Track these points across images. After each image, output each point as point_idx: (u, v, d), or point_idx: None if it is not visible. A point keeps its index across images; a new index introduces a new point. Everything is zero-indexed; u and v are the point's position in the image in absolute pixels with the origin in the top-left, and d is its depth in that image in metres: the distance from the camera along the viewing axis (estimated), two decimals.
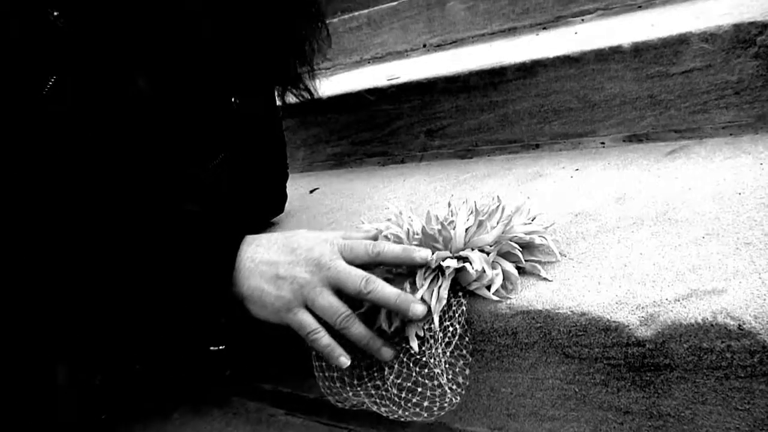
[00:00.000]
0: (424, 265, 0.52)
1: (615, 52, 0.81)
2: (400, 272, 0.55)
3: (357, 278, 0.50)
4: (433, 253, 0.53)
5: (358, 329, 0.51)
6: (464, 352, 0.52)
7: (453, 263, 0.51)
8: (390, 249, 0.52)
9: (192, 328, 0.54)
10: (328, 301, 0.50)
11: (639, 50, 0.79)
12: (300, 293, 0.50)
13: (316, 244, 0.53)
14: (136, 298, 0.52)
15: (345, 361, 0.50)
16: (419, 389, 0.52)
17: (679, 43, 0.76)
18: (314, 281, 0.50)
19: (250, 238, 0.54)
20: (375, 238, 0.58)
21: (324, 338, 0.50)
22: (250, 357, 0.66)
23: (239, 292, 0.52)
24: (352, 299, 0.52)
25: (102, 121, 0.56)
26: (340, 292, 0.51)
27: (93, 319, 0.54)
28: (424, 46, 1.34)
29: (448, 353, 0.51)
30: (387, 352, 0.52)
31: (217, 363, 0.62)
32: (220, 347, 0.55)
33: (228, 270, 0.52)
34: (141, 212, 0.55)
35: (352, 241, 0.53)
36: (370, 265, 0.53)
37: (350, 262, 0.52)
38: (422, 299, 0.51)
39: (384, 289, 0.50)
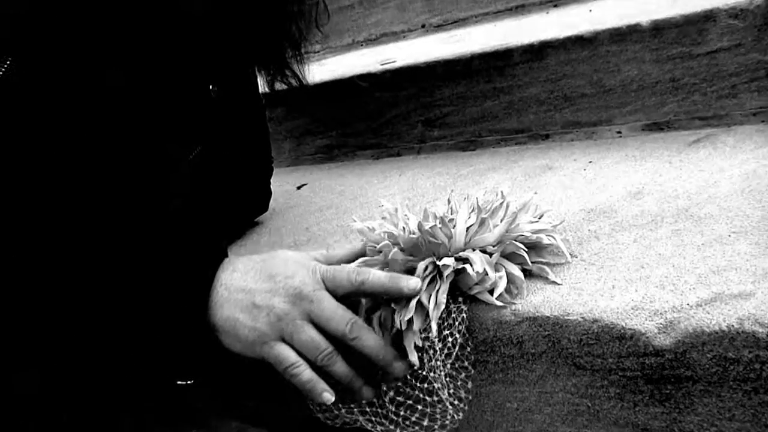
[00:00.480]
0: (413, 296, 0.51)
1: (633, 31, 0.80)
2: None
3: (342, 320, 0.51)
4: (432, 256, 0.53)
5: (340, 368, 0.51)
6: (466, 363, 0.52)
7: (451, 262, 0.51)
8: (375, 278, 0.52)
9: (157, 360, 0.53)
10: (309, 335, 0.50)
11: (659, 29, 0.79)
12: (277, 326, 0.50)
13: (296, 270, 0.52)
14: (94, 324, 0.51)
15: (329, 397, 0.50)
16: (419, 406, 0.52)
17: (704, 20, 0.76)
18: (294, 313, 0.50)
19: (225, 263, 0.54)
20: (362, 253, 0.58)
21: (305, 373, 0.50)
22: (224, 390, 0.66)
23: (211, 323, 0.51)
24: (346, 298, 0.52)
25: (61, 110, 0.55)
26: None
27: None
28: (423, 26, 1.34)
29: (448, 365, 0.51)
30: (367, 392, 0.53)
31: (185, 397, 0.61)
32: (189, 382, 0.54)
33: (201, 301, 0.51)
34: (103, 225, 0.55)
35: (335, 270, 0.53)
36: (354, 294, 0.53)
37: (332, 292, 0.52)
38: (419, 303, 0.51)
39: (369, 340, 0.51)
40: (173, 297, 0.51)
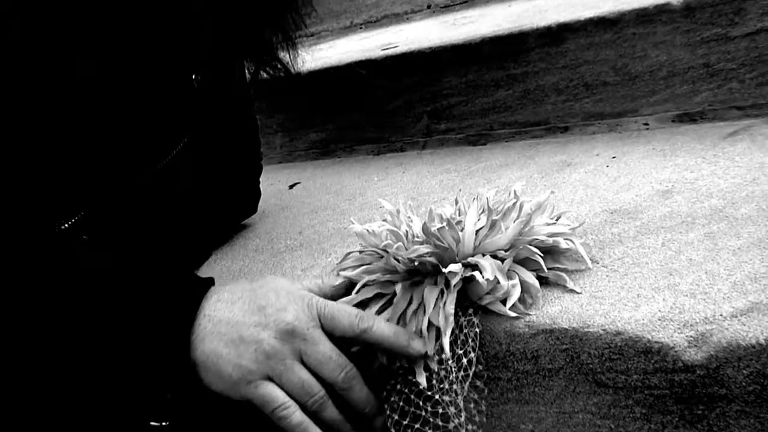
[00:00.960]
0: (420, 358, 0.52)
1: (661, 11, 0.81)
2: (390, 280, 0.55)
3: (336, 367, 0.51)
4: (436, 260, 0.53)
5: (331, 414, 0.51)
6: (478, 382, 0.53)
7: (458, 269, 0.51)
8: (379, 330, 0.52)
9: (129, 399, 0.53)
10: (300, 377, 0.50)
11: (691, 8, 0.79)
12: (265, 364, 0.50)
13: (290, 302, 0.52)
14: (60, 357, 0.51)
15: None
16: (428, 430, 0.52)
17: None
18: (284, 351, 0.50)
19: (210, 291, 0.54)
20: (351, 286, 0.57)
21: (295, 415, 0.50)
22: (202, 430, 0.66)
23: (191, 358, 0.51)
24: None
25: (22, 101, 0.56)
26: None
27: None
28: (429, 7, 1.34)
29: (466, 387, 0.51)
30: None
31: None
32: (163, 423, 0.54)
33: (182, 335, 0.51)
34: (73, 246, 0.55)
35: (335, 309, 0.53)
36: (352, 340, 0.53)
37: (329, 333, 0.52)
38: (428, 321, 0.52)
39: (359, 392, 0.51)
40: (149, 330, 0.51)
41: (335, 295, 0.57)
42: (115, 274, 0.54)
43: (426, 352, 0.52)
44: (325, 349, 0.51)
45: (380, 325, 0.52)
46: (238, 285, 0.55)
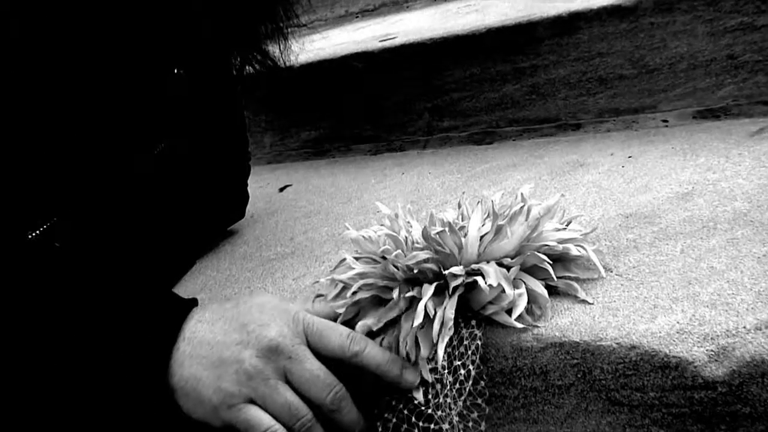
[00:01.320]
0: (411, 388, 0.52)
1: None
2: (387, 285, 0.55)
3: (324, 387, 0.51)
4: (437, 267, 0.53)
5: None
6: (479, 400, 0.53)
7: (459, 271, 0.52)
8: (371, 355, 0.52)
9: (103, 429, 0.53)
10: (285, 399, 0.50)
11: None
12: (247, 385, 0.50)
13: (273, 317, 0.52)
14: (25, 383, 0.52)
15: None
16: None
17: None
18: (267, 371, 0.50)
19: (192, 312, 0.54)
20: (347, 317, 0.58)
21: None
22: None
23: (170, 384, 0.51)
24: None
25: None
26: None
27: None
28: None
29: (460, 403, 0.52)
30: None
31: None
32: None
33: (160, 362, 0.51)
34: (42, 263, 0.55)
35: (324, 325, 0.53)
36: (341, 362, 0.53)
37: (316, 350, 0.52)
38: (427, 325, 0.52)
39: (350, 414, 0.51)
40: (124, 357, 0.51)
41: (326, 306, 0.57)
42: (89, 293, 0.54)
43: (419, 382, 0.52)
44: (311, 368, 0.51)
45: (372, 350, 0.52)
46: (221, 304, 0.55)
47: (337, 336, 0.52)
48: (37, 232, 0.64)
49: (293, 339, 0.52)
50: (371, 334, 0.55)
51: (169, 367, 0.51)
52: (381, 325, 0.54)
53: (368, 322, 0.55)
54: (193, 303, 0.56)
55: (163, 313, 0.54)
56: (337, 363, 0.53)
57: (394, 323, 0.54)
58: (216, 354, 0.51)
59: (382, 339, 0.55)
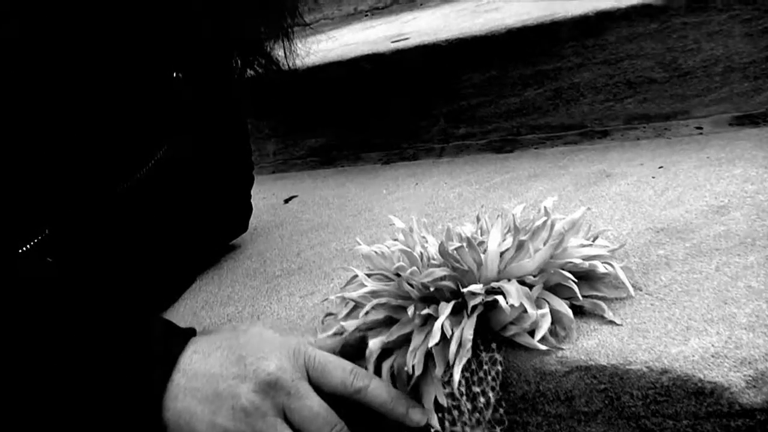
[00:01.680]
0: (418, 427, 0.52)
1: None
2: (400, 305, 0.56)
3: (324, 426, 0.51)
4: (454, 285, 0.54)
5: None
6: (498, 429, 0.53)
7: (479, 289, 0.52)
8: (375, 392, 0.52)
9: None
10: None
11: None
12: (244, 422, 0.51)
13: (273, 350, 0.53)
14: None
15: None
16: None
17: None
18: (264, 407, 0.51)
19: (189, 343, 0.55)
20: (353, 346, 0.58)
21: None
22: None
23: (163, 419, 0.52)
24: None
25: None
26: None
27: None
28: None
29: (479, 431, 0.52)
30: None
31: None
32: None
33: (154, 397, 0.52)
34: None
35: (326, 360, 0.54)
36: (344, 398, 0.53)
37: (317, 385, 0.53)
38: (443, 346, 0.52)
39: None
40: (115, 390, 0.52)
41: (331, 351, 0.58)
42: (80, 317, 0.55)
43: (427, 424, 0.52)
44: (312, 404, 0.52)
45: (377, 387, 0.53)
46: (219, 334, 0.56)
47: (340, 371, 0.53)
48: (29, 245, 0.65)
49: (293, 374, 0.52)
50: (382, 353, 0.55)
51: (162, 402, 0.52)
52: (393, 338, 0.54)
53: (382, 338, 0.55)
54: (190, 333, 0.57)
55: (158, 345, 0.55)
56: (339, 398, 0.53)
57: (407, 341, 0.55)
58: (211, 387, 0.52)
59: (395, 359, 0.55)
